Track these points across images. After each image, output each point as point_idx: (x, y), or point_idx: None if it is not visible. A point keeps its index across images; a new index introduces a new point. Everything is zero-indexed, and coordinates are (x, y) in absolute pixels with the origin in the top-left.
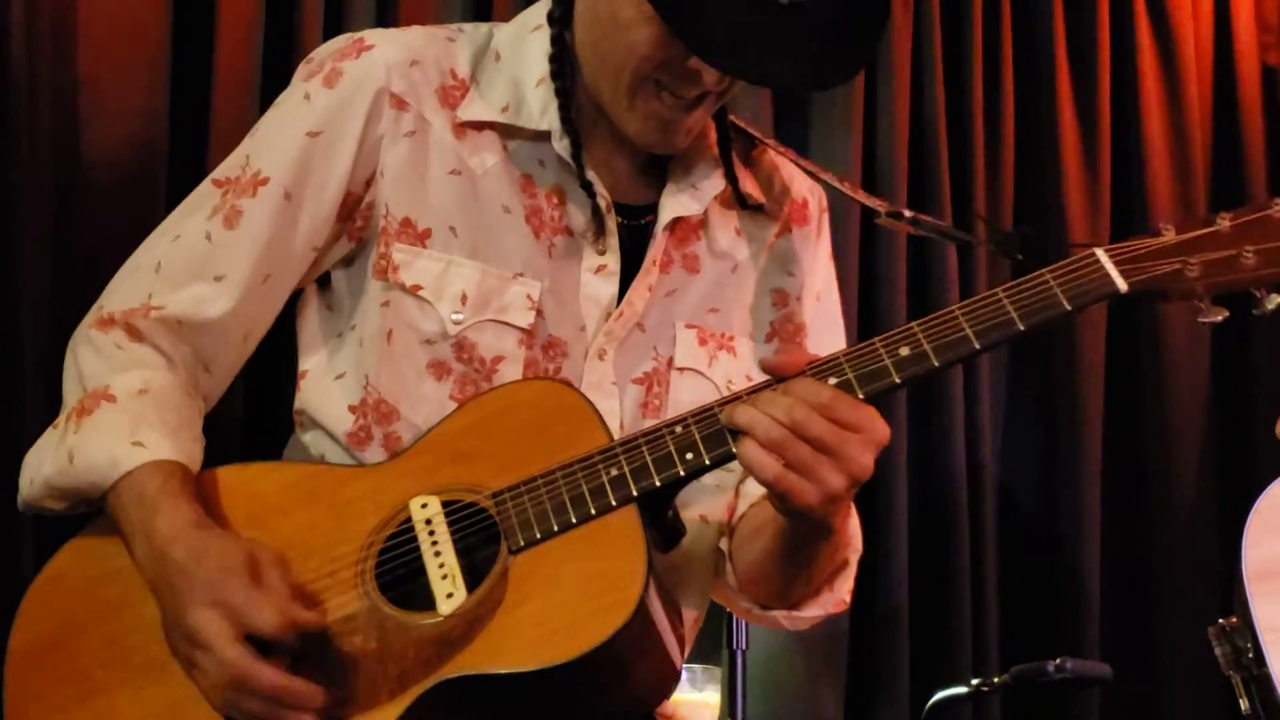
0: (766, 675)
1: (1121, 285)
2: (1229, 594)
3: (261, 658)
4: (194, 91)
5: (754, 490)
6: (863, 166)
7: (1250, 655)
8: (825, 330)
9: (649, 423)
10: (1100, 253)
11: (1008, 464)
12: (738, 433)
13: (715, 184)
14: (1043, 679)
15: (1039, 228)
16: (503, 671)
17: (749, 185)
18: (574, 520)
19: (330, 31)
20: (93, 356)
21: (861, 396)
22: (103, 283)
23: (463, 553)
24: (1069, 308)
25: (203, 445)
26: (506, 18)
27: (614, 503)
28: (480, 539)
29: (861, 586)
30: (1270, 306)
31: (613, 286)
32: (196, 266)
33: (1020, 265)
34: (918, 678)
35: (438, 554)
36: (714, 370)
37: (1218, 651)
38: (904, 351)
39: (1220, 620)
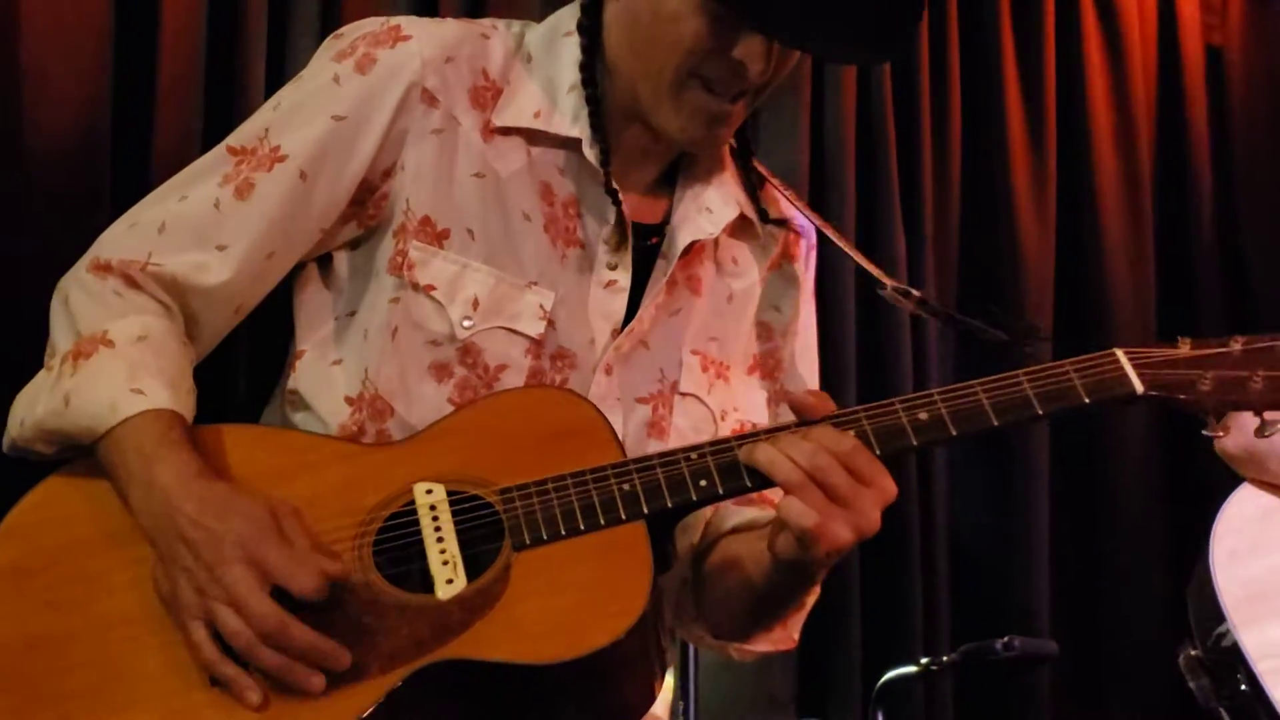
0: (719, 659)
1: (1138, 386)
2: (1182, 617)
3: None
4: (138, 79)
5: (725, 522)
6: (810, 160)
7: (1244, 688)
8: (802, 368)
9: (652, 443)
10: (1120, 353)
11: (958, 444)
12: (754, 469)
13: (730, 208)
14: (991, 657)
15: (986, 211)
16: (500, 661)
17: (752, 213)
18: (582, 528)
19: (275, 17)
20: (87, 301)
21: (878, 453)
22: (46, 268)
23: (464, 543)
24: (1086, 400)
25: (195, 396)
26: (454, 17)
27: (624, 517)
28: (483, 533)
29: None
30: (1269, 434)
31: (622, 303)
32: (201, 232)
33: (1025, 355)
34: (870, 657)
35: (440, 540)
36: (712, 398)
37: (1193, 684)
38: (922, 416)
39: (1190, 651)
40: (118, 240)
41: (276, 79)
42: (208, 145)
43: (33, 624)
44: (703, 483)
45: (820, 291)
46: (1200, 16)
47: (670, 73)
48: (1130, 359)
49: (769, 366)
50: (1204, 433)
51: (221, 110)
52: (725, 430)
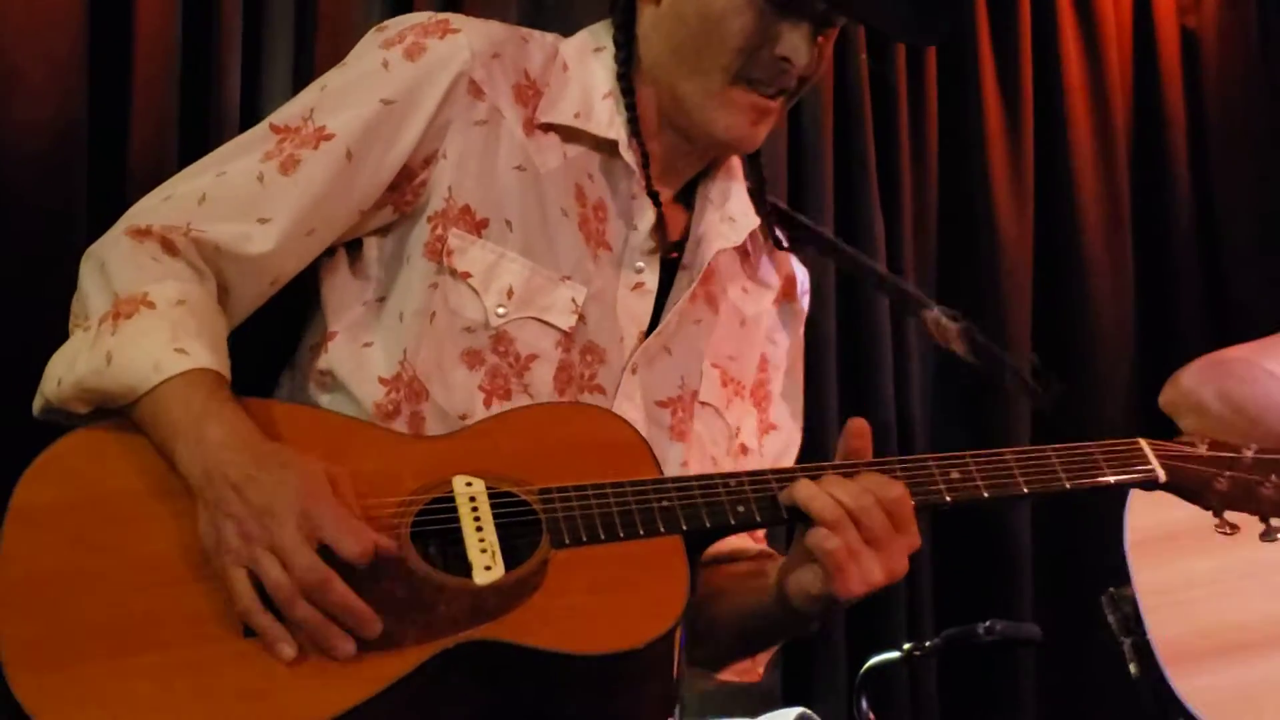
0: None
1: (1161, 475)
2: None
3: None
4: (113, 76)
5: (715, 549)
6: (789, 149)
7: (1134, 621)
8: (789, 403)
9: (674, 446)
10: (1143, 442)
11: (939, 425)
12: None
13: (751, 217)
14: (974, 642)
15: (962, 193)
16: (533, 647)
17: (761, 230)
18: (621, 535)
19: (249, 13)
20: (125, 263)
21: (913, 504)
22: (20, 265)
23: (501, 537)
24: (1111, 481)
25: (229, 366)
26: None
27: (662, 530)
28: (520, 529)
29: None
30: (1273, 539)
31: (648, 306)
32: (244, 204)
33: (1041, 405)
34: (854, 644)
35: (479, 529)
36: (730, 413)
37: (1110, 619)
38: (954, 475)
39: (1111, 589)
40: (154, 209)
41: (252, 74)
42: (183, 141)
43: (63, 558)
44: (741, 509)
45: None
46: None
47: (719, 72)
48: (1152, 448)
49: (760, 396)
50: (1215, 530)
51: (197, 109)
52: (735, 447)
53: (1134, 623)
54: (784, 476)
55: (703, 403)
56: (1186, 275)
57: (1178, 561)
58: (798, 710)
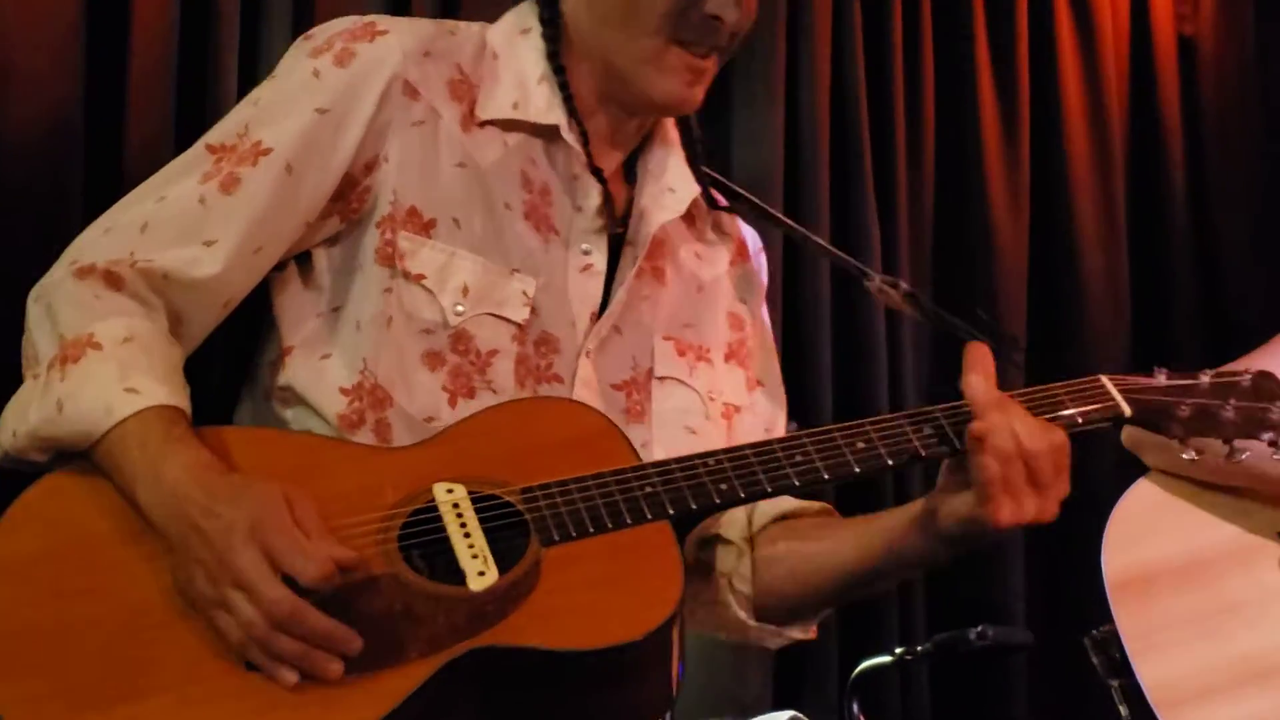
0: (693, 648)
1: (1126, 409)
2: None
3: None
4: (110, 73)
5: (774, 507)
6: (785, 142)
7: (1122, 665)
8: (766, 358)
9: (632, 427)
10: (1104, 379)
11: None
12: (781, 472)
13: (690, 188)
14: (964, 647)
15: (959, 200)
16: (537, 647)
17: (700, 197)
18: (610, 526)
19: (247, 11)
20: (68, 305)
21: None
22: (16, 265)
23: (490, 540)
24: (1080, 423)
25: (189, 393)
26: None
27: (649, 516)
28: (507, 530)
29: None
30: (1239, 457)
31: (598, 286)
32: (187, 228)
33: (1011, 362)
34: (845, 648)
35: (466, 535)
36: (696, 379)
37: (1095, 660)
38: (927, 431)
39: (1095, 631)
40: (95, 243)
41: (249, 70)
42: (180, 139)
43: (48, 611)
44: (723, 486)
45: (795, 286)
46: (1173, 7)
47: (649, 37)
48: (1115, 384)
49: (741, 355)
50: (1183, 457)
51: (194, 103)
52: (716, 412)
53: (1122, 666)
54: (763, 455)
55: (660, 378)
56: (1182, 281)
57: (1159, 602)
58: (789, 714)
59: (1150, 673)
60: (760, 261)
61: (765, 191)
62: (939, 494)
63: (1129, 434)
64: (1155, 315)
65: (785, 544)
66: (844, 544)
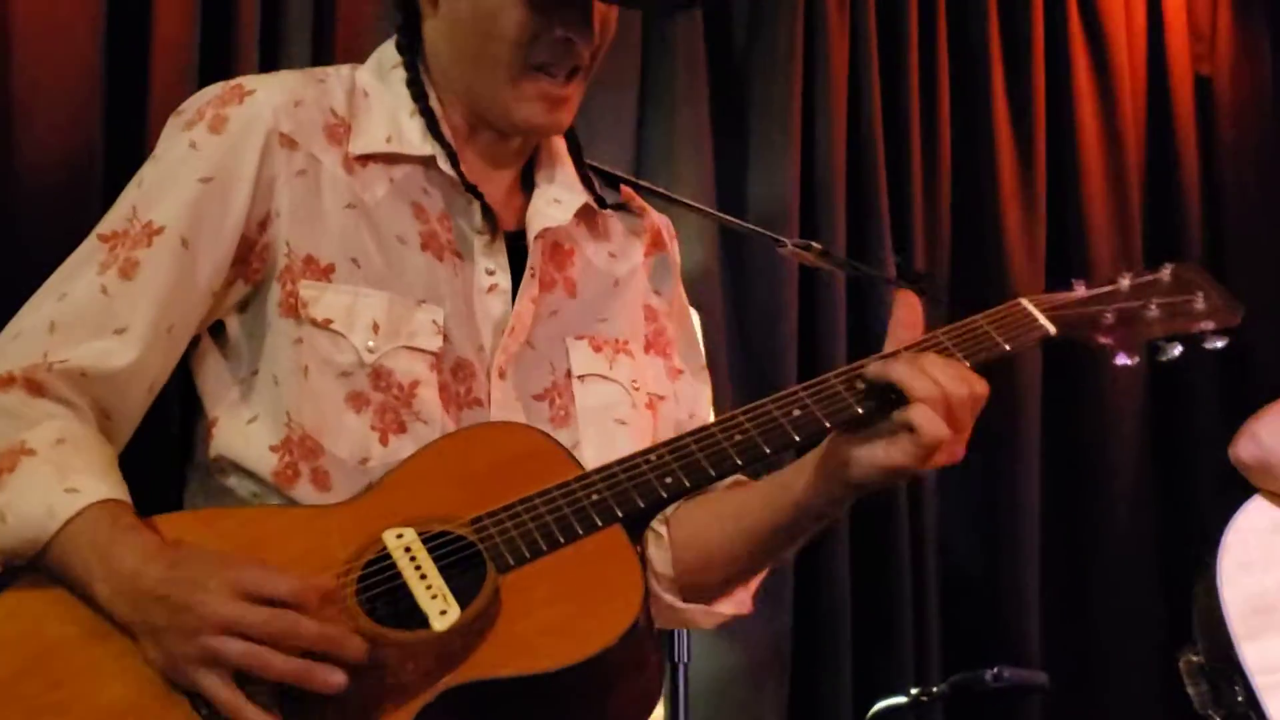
0: (709, 687)
1: (1050, 328)
2: (1186, 622)
3: None
4: (129, 106)
5: None
6: (801, 181)
7: (1240, 700)
8: (686, 342)
9: (560, 433)
10: (1024, 301)
11: (947, 472)
12: (722, 452)
13: (577, 197)
14: (980, 688)
15: (975, 241)
16: (511, 676)
17: (593, 202)
18: (562, 541)
19: (266, 43)
20: None
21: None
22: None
23: (446, 577)
24: (1007, 348)
25: (126, 489)
26: None
27: (599, 524)
28: (462, 564)
29: (804, 596)
30: (1171, 355)
31: (504, 304)
32: (95, 321)
33: (931, 301)
34: (860, 688)
35: (423, 577)
36: (617, 372)
37: (1191, 690)
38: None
39: (1191, 656)
40: (6, 351)
41: None
42: None
43: None
44: (668, 480)
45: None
46: (1189, 47)
47: (503, 69)
48: (1035, 304)
49: (661, 344)
50: (1116, 362)
51: None
52: (641, 401)
53: (1248, 705)
54: (704, 440)
55: (580, 377)
56: None
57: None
58: None
59: None
60: (674, 249)
61: (781, 228)
62: (846, 443)
63: (1248, 451)
64: (1174, 363)
65: (697, 520)
66: (752, 509)
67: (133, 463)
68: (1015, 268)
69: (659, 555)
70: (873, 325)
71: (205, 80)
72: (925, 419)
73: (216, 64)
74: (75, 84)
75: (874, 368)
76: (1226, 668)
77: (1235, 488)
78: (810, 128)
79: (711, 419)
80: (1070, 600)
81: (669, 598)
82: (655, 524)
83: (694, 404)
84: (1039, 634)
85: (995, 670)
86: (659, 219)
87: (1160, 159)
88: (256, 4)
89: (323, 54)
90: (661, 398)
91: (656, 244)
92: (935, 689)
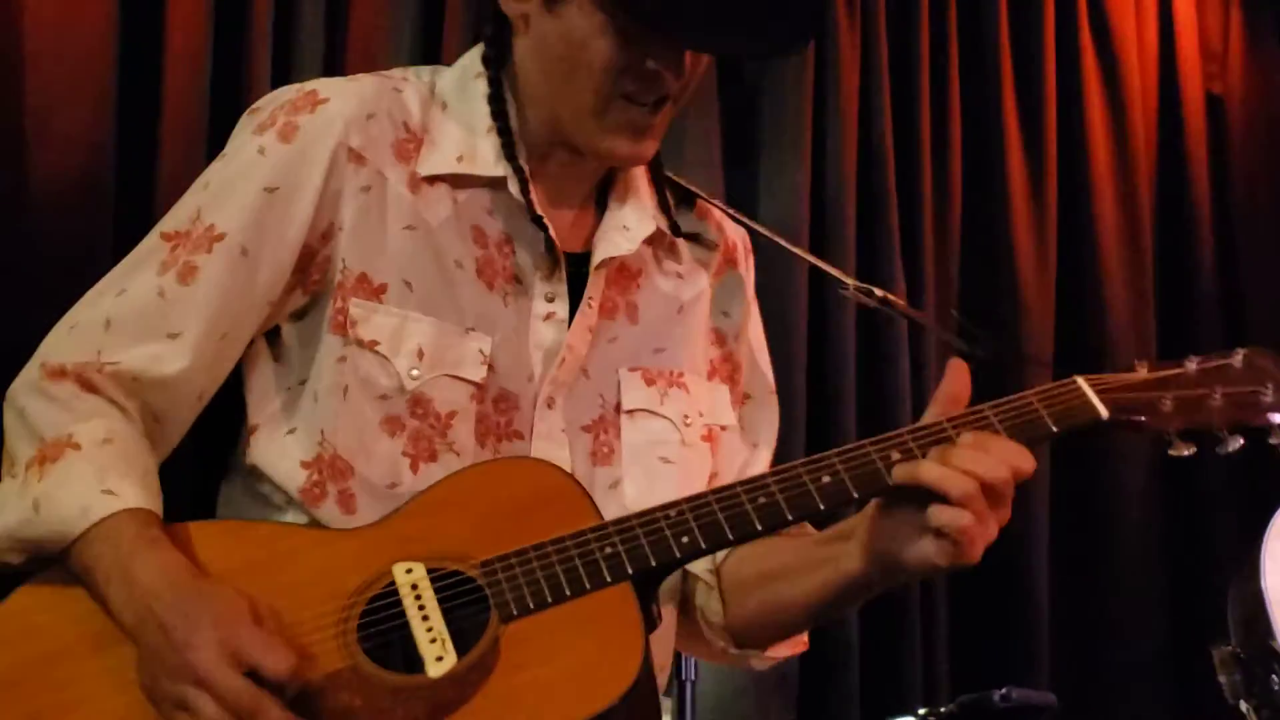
0: (716, 706)
1: (1103, 412)
2: (1220, 620)
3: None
4: (142, 122)
5: None
6: (811, 201)
7: (1277, 689)
8: (755, 370)
9: (598, 470)
10: (1080, 380)
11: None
12: (745, 523)
13: (646, 224)
14: (989, 708)
15: (986, 258)
16: None
17: (683, 223)
18: (568, 594)
19: (279, 62)
20: (46, 406)
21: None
22: (47, 311)
23: (450, 619)
24: (1055, 429)
25: (162, 497)
26: (456, 49)
27: (609, 580)
28: (467, 607)
29: None
30: (1232, 448)
31: (560, 333)
32: (150, 323)
33: (976, 362)
34: (868, 708)
35: (425, 618)
36: (667, 408)
37: (1223, 679)
38: (896, 455)
39: (1226, 647)
40: (62, 344)
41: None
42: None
43: None
44: (685, 540)
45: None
46: (1201, 65)
47: (590, 95)
48: (1090, 384)
49: (726, 371)
50: (1170, 453)
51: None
52: (693, 436)
53: (1261, 684)
54: (726, 500)
55: (629, 411)
56: (1210, 341)
57: None
58: None
59: None
60: (748, 263)
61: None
62: (898, 539)
63: None
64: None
65: (746, 578)
66: (806, 584)
67: (180, 453)
68: (1025, 286)
69: (710, 604)
70: (882, 345)
71: (218, 91)
72: (963, 524)
73: (229, 75)
74: (88, 96)
75: (901, 470)
76: (1266, 656)
77: (1248, 509)
78: (821, 144)
79: (774, 443)
80: (1079, 622)
81: (721, 644)
82: (704, 573)
83: (758, 432)
84: (1048, 655)
85: (1004, 691)
86: (735, 234)
87: (1171, 177)
88: (269, 15)
89: (336, 65)
90: (724, 427)
91: (729, 260)
92: (943, 709)
